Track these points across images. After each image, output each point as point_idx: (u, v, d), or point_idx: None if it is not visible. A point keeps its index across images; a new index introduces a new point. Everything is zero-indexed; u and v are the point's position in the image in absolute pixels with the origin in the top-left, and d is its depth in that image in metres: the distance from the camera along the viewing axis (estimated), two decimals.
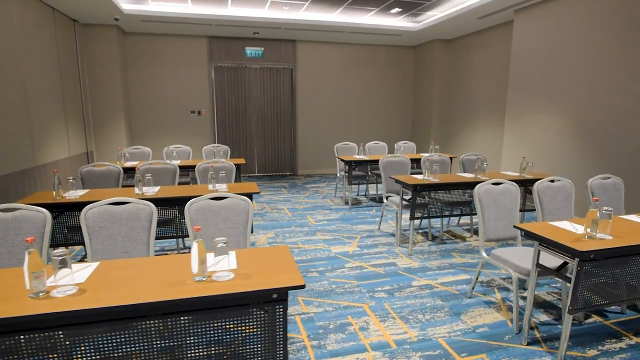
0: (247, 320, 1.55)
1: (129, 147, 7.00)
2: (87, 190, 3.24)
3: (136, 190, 3.11)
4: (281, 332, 1.59)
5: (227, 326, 1.54)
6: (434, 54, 7.97)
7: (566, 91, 4.89)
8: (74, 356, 1.41)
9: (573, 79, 4.79)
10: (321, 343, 2.38)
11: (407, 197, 3.87)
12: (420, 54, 8.53)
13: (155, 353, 1.48)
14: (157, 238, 3.24)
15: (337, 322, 2.62)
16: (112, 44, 6.63)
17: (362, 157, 5.69)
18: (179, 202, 3.12)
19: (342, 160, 5.68)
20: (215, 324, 1.53)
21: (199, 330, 1.51)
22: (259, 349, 1.59)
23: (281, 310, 1.56)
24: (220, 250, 1.58)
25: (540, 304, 2.88)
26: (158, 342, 1.48)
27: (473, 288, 3.00)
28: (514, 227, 2.40)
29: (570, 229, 2.25)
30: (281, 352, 1.61)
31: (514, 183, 2.95)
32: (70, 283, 1.50)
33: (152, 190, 3.21)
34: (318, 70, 8.34)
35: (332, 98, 8.53)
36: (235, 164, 4.99)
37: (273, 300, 1.55)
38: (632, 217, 2.55)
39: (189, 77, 7.69)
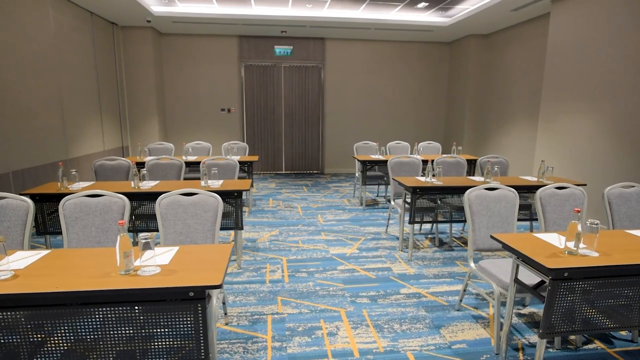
0: (165, 316, 1.55)
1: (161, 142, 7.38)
2: (91, 182, 3.45)
3: (133, 184, 3.25)
4: (201, 330, 1.57)
5: (147, 320, 1.55)
6: (468, 50, 7.55)
7: (606, 91, 4.39)
8: None
9: (614, 77, 4.28)
10: (283, 345, 2.33)
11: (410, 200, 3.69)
12: (455, 50, 8.11)
13: (75, 341, 1.52)
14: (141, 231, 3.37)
15: (307, 325, 2.56)
16: (148, 44, 7.01)
17: (377, 156, 5.52)
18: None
19: (357, 159, 5.56)
20: (134, 318, 1.54)
21: (119, 322, 1.54)
22: (179, 345, 1.58)
23: (199, 308, 1.54)
24: (145, 245, 1.59)
25: (537, 323, 2.61)
26: (80, 332, 1.52)
27: (461, 300, 2.78)
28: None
29: (555, 242, 2.01)
30: (202, 350, 1.59)
31: (512, 189, 2.69)
32: (8, 269, 1.59)
33: (148, 185, 3.34)
34: (347, 68, 8.23)
35: (360, 96, 8.38)
36: (248, 162, 5.07)
37: (190, 298, 1.53)
38: (637, 232, 2.22)
39: (220, 76, 7.93)
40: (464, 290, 2.73)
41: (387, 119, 8.53)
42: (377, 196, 6.36)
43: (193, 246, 1.92)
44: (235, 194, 3.28)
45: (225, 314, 2.59)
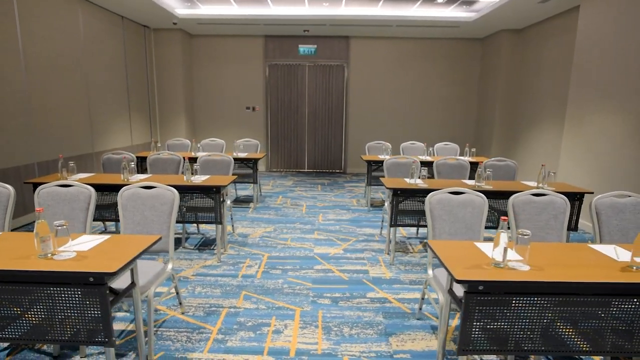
0: (71, 298, 1.65)
1: (188, 139, 7.77)
2: (90, 174, 3.74)
3: (122, 176, 3.47)
4: (99, 313, 1.65)
5: (58, 300, 1.66)
6: (500, 46, 7.10)
7: (638, 90, 3.93)
8: None
9: None
10: (225, 338, 2.38)
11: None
12: (487, 46, 7.66)
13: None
14: None
15: (258, 320, 2.58)
16: (177, 45, 7.40)
17: (384, 157, 5.39)
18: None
19: (363, 159, 5.46)
20: (47, 297, 1.66)
21: (34, 301, 1.67)
22: (82, 326, 1.68)
23: (97, 292, 1.63)
24: (61, 232, 1.71)
25: None
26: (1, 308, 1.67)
27: (420, 309, 2.65)
28: (426, 243, 2.06)
29: (488, 252, 1.85)
30: (102, 332, 1.67)
31: (480, 194, 2.52)
32: None
33: (136, 177, 3.55)
34: (371, 67, 8.10)
35: (385, 95, 8.21)
36: (255, 158, 5.19)
37: (91, 283, 1.62)
38: (602, 247, 1.98)
39: (246, 75, 8.17)
40: (422, 299, 2.61)
41: (414, 119, 8.27)
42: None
43: (122, 236, 2.02)
44: (214, 189, 3.38)
45: (180, 303, 2.69)
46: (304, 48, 8.06)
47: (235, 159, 5.25)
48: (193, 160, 5.18)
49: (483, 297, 1.61)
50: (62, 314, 1.68)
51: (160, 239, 2.02)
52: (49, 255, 1.72)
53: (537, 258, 1.81)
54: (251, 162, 5.28)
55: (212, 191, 3.39)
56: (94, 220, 3.54)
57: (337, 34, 7.81)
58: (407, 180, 3.58)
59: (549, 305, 1.62)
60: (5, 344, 2.27)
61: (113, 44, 6.08)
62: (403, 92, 8.18)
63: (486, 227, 3.49)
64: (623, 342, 1.65)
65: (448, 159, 4.31)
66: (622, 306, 1.62)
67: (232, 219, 4.40)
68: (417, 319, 2.63)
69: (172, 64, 7.47)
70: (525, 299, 1.61)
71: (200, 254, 3.73)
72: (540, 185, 3.45)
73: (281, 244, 4.04)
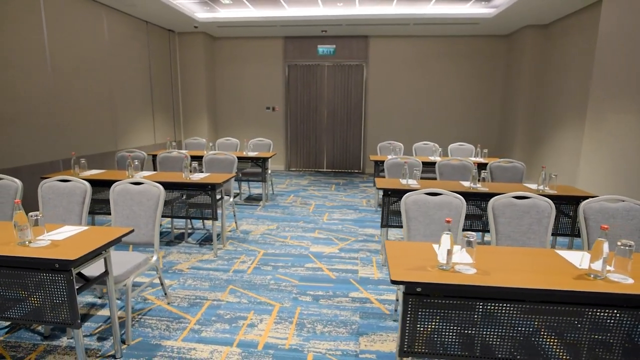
0: (42, 282, 1.81)
1: (210, 138, 8.06)
2: (101, 171, 4.00)
3: (127, 172, 3.69)
4: (65, 297, 1.79)
5: (27, 282, 1.83)
6: (524, 42, 6.79)
7: None
8: None
9: None
10: (201, 328, 2.48)
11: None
12: (512, 43, 7.36)
13: None
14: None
15: (235, 314, 2.67)
16: (199, 48, 7.70)
17: (392, 157, 5.32)
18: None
19: (371, 160, 5.44)
20: (19, 279, 1.83)
21: (9, 284, 1.84)
22: (50, 307, 1.83)
23: (63, 278, 1.77)
24: (34, 222, 1.87)
25: None
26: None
27: (396, 310, 2.63)
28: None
29: (439, 254, 1.82)
30: (68, 314, 1.81)
31: (459, 196, 2.46)
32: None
33: (140, 174, 3.76)
34: (390, 66, 8.01)
35: (405, 95, 8.08)
36: (263, 157, 5.31)
37: (57, 269, 1.76)
38: (569, 253, 1.88)
39: (266, 76, 8.34)
40: (398, 300, 2.58)
41: (434, 119, 8.08)
42: None
43: (98, 228, 2.17)
44: (210, 186, 3.51)
45: (165, 294, 2.83)
46: (322, 48, 8.11)
47: (246, 158, 5.41)
48: None
49: (421, 299, 1.59)
50: (33, 295, 1.84)
51: (131, 231, 2.15)
52: (27, 242, 1.89)
53: (491, 262, 1.76)
54: (260, 161, 5.40)
55: (208, 188, 3.52)
56: (94, 213, 3.79)
57: (356, 33, 7.79)
58: (401, 180, 3.54)
59: (490, 310, 1.58)
60: (6, 323, 2.50)
61: (137, 48, 6.43)
62: (423, 92, 8.02)
63: (469, 230, 3.40)
64: (565, 355, 1.57)
65: (452, 160, 4.20)
66: (567, 315, 1.54)
67: (235, 215, 4.54)
68: (394, 321, 2.61)
69: (195, 65, 7.78)
70: (465, 303, 1.58)
71: (200, 248, 3.88)
72: (541, 187, 3.30)
73: (279, 241, 4.12)
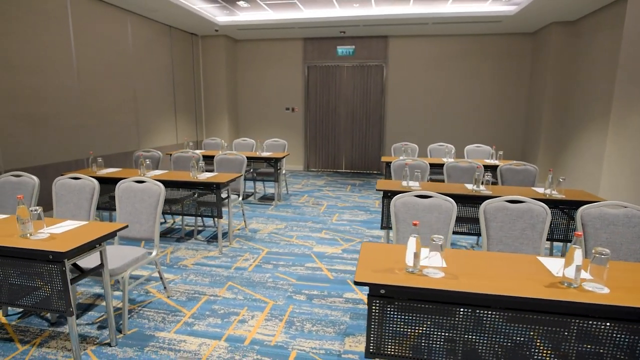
0: (39, 271, 1.95)
1: (231, 139, 8.27)
2: (117, 169, 4.22)
3: (140, 171, 3.88)
4: (60, 286, 1.93)
5: (26, 271, 1.98)
6: (550, 40, 6.52)
7: None
8: None
9: None
10: (195, 322, 2.58)
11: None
12: (538, 41, 7.07)
13: None
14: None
15: (230, 309, 2.75)
16: (221, 50, 7.91)
17: (403, 158, 5.26)
18: (175, 185, 3.74)
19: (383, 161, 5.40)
20: (19, 268, 1.99)
21: (10, 273, 2.00)
22: (46, 295, 1.97)
23: (57, 269, 1.90)
24: (34, 216, 2.02)
25: None
26: None
27: None
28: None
29: (406, 256, 1.81)
30: (62, 302, 1.95)
31: (449, 199, 2.43)
32: None
33: (151, 173, 3.93)
34: (410, 66, 7.91)
35: (425, 95, 7.96)
36: (276, 158, 5.41)
37: (51, 260, 1.90)
38: (550, 260, 1.81)
39: (286, 77, 8.45)
40: None
41: (456, 120, 7.90)
42: None
43: (96, 223, 2.31)
44: (214, 185, 3.63)
45: (165, 288, 2.96)
46: (342, 49, 8.12)
47: (259, 158, 5.52)
48: None
49: (386, 302, 1.60)
50: (32, 283, 1.99)
51: (125, 226, 2.27)
52: (28, 235, 2.04)
53: (465, 267, 1.73)
54: (273, 161, 5.50)
55: (213, 187, 3.64)
56: (107, 209, 4.00)
57: (375, 34, 7.75)
58: (402, 182, 3.51)
59: (454, 315, 1.56)
60: (20, 310, 2.70)
61: (160, 51, 6.71)
62: (444, 92, 7.86)
63: (459, 234, 3.34)
64: None
65: (460, 162, 4.12)
66: (534, 323, 1.50)
67: (243, 214, 4.64)
68: None
69: (217, 68, 8.01)
70: (429, 306, 1.57)
71: (207, 245, 4.01)
72: (547, 191, 3.18)
73: (285, 240, 4.19)
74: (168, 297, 2.92)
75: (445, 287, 1.51)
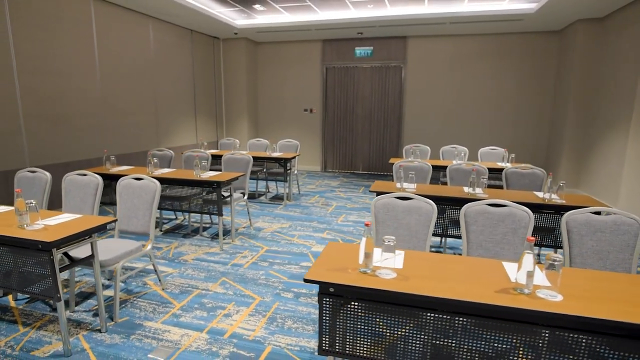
0: (30, 261, 2.12)
1: (250, 139, 8.46)
2: (130, 167, 4.44)
3: (148, 169, 4.08)
4: (49, 273, 2.09)
5: (19, 259, 2.15)
6: (575, 38, 6.22)
7: None
8: None
9: None
10: (182, 314, 2.70)
11: None
12: (563, 39, 6.76)
13: None
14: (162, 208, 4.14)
15: (217, 303, 2.85)
16: (242, 53, 8.12)
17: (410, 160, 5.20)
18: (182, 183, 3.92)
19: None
20: (12, 255, 2.17)
21: (6, 259, 2.19)
22: (36, 281, 2.14)
23: (46, 257, 2.06)
24: (30, 208, 2.20)
25: None
26: None
27: None
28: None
29: (376, 257, 1.82)
30: (50, 288, 2.11)
31: (430, 202, 2.40)
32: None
33: (159, 171, 4.12)
34: (429, 67, 7.78)
35: (444, 96, 7.80)
36: (285, 158, 5.51)
37: (40, 249, 2.06)
38: (512, 266, 1.76)
39: (304, 78, 8.55)
40: None
41: (475, 121, 7.69)
42: None
43: (89, 217, 2.47)
44: (215, 184, 3.76)
45: (160, 280, 3.10)
46: (360, 50, 8.11)
47: (270, 159, 5.63)
48: None
49: (336, 300, 1.62)
50: (25, 269, 2.17)
51: (114, 220, 2.42)
52: (24, 226, 2.22)
53: (424, 269, 1.72)
54: (282, 161, 5.59)
55: (214, 186, 3.77)
56: (107, 204, 4.21)
57: (393, 34, 7.68)
58: (396, 184, 3.49)
59: (403, 316, 1.56)
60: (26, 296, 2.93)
61: (181, 54, 6.98)
62: (464, 93, 7.67)
63: (439, 235, 3.27)
64: None
65: (463, 165, 4.03)
66: (481, 327, 1.47)
67: (248, 212, 4.75)
68: None
69: (237, 69, 8.23)
70: (377, 306, 1.58)
71: (210, 242, 4.15)
72: (546, 196, 3.05)
73: (286, 239, 4.26)
74: (163, 289, 3.06)
75: (390, 287, 1.52)
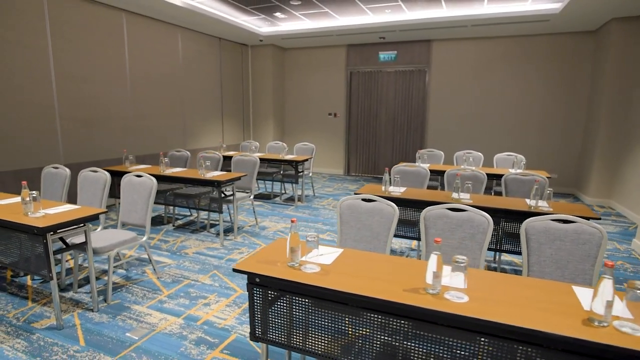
0: (28, 243, 2.45)
1: (276, 142, 8.74)
2: (147, 166, 4.83)
3: (160, 168, 4.42)
4: (43, 255, 2.39)
5: (22, 242, 2.49)
6: (609, 38, 5.83)
7: None
8: None
9: None
10: (167, 301, 2.94)
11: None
12: (598, 40, 6.35)
13: None
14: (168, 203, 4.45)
15: (201, 293, 3.06)
16: (268, 59, 8.45)
17: (418, 164, 5.15)
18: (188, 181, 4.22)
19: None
20: (15, 238, 2.51)
21: (7, 243, 2.53)
22: (34, 261, 2.46)
23: (40, 240, 2.37)
24: (32, 199, 2.53)
25: None
26: None
27: None
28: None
29: (313, 254, 1.92)
30: (45, 268, 2.41)
31: (391, 204, 2.45)
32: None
33: (170, 170, 4.44)
34: (454, 70, 7.62)
35: (469, 100, 7.60)
36: (296, 161, 5.70)
37: (36, 234, 2.38)
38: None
39: (329, 83, 8.70)
40: None
41: (500, 126, 7.41)
42: None
43: (86, 208, 2.78)
44: (216, 183, 4.00)
45: (155, 269, 3.37)
46: (384, 55, 8.13)
47: (282, 161, 5.84)
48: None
49: (262, 290, 1.74)
50: (25, 251, 2.50)
51: (105, 212, 2.71)
52: (28, 213, 2.57)
53: (353, 267, 1.79)
54: (294, 164, 5.77)
55: (214, 185, 4.02)
56: (116, 197, 4.58)
57: (416, 38, 7.62)
58: (382, 187, 3.52)
59: (321, 309, 1.64)
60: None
61: (209, 61, 7.41)
62: (490, 97, 7.42)
63: (401, 237, 3.26)
64: None
65: (461, 170, 3.96)
66: (394, 325, 1.52)
67: (254, 211, 4.96)
68: None
69: (264, 75, 8.56)
70: (301, 299, 1.68)
71: (214, 238, 4.41)
72: (532, 203, 2.95)
73: (286, 238, 4.41)
74: (157, 278, 3.34)
75: (305, 280, 1.62)
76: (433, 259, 1.49)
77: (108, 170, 4.48)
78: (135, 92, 5.84)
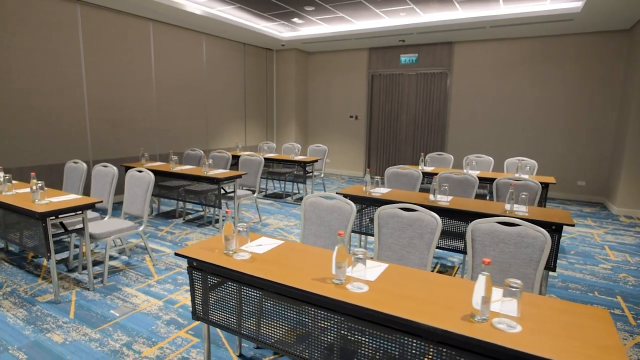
0: (32, 226, 2.81)
1: (299, 144, 8.99)
2: (161, 163, 5.22)
3: (170, 165, 4.77)
4: (42, 236, 2.74)
5: (27, 224, 2.86)
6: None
7: None
8: None
9: None
10: (155, 285, 3.21)
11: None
12: (632, 39, 5.94)
13: None
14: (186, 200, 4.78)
15: (186, 281, 3.31)
16: (292, 63, 8.71)
17: (422, 167, 5.13)
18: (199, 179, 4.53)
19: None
20: (23, 221, 2.89)
21: (11, 224, 2.92)
22: (35, 241, 2.82)
23: (40, 224, 2.72)
24: (41, 188, 2.90)
25: None
26: None
27: None
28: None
29: (253, 244, 2.07)
30: (44, 248, 2.76)
31: (350, 202, 2.55)
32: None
33: (178, 168, 4.78)
34: (476, 72, 7.43)
35: (491, 103, 7.37)
36: (304, 161, 5.88)
37: (37, 218, 2.73)
38: (375, 264, 1.84)
39: (351, 86, 8.80)
40: None
41: (526, 129, 7.11)
42: None
43: (83, 198, 3.12)
44: (215, 180, 4.27)
45: (151, 257, 3.68)
46: (405, 57, 8.10)
47: (292, 161, 6.03)
48: (267, 160, 6.22)
49: (200, 274, 1.92)
50: (30, 232, 2.88)
51: (100, 201, 3.03)
52: (35, 201, 2.94)
53: (278, 257, 1.93)
54: (302, 164, 5.95)
55: (214, 182, 4.29)
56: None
57: (438, 40, 7.53)
58: (363, 188, 3.59)
59: (247, 294, 1.79)
60: (59, 258, 3.74)
61: (233, 65, 7.79)
62: (513, 99, 7.16)
63: (359, 233, 3.26)
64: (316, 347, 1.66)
65: (453, 173, 3.93)
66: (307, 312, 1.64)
67: (257, 209, 5.18)
68: None
69: (288, 78, 8.83)
70: (232, 284, 1.84)
71: (217, 232, 4.68)
72: (507, 207, 2.90)
73: (284, 235, 4.59)
74: (153, 265, 3.64)
75: (230, 266, 1.78)
76: (335, 252, 1.60)
77: (124, 166, 4.91)
78: (160, 95, 6.31)
